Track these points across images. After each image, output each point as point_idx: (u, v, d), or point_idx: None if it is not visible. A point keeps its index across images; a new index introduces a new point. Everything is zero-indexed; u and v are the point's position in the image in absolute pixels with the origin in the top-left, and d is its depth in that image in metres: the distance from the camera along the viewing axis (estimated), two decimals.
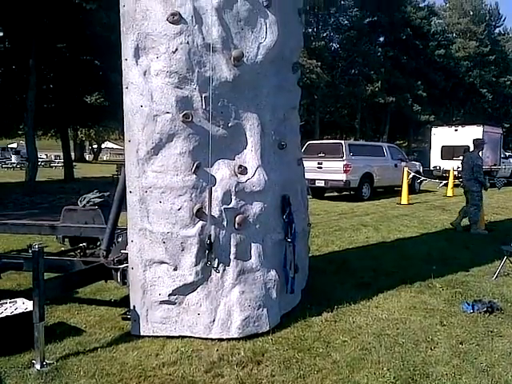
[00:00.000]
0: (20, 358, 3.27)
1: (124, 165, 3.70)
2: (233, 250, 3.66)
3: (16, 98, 18.66)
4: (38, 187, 16.34)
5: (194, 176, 3.61)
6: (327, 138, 38.95)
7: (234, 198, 3.70)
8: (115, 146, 64.24)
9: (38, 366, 3.11)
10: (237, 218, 3.68)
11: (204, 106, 3.64)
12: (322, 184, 14.11)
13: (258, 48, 3.82)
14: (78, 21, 15.68)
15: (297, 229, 4.17)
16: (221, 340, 3.57)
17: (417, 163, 18.65)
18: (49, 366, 3.14)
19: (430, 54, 38.03)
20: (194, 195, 3.60)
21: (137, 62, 3.63)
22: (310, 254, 5.36)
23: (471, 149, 9.19)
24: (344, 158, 13.78)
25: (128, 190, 3.65)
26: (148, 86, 3.60)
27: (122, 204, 3.93)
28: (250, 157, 3.85)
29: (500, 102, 45.41)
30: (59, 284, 3.76)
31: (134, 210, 3.64)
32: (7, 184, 19.48)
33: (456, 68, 40.18)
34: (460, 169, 9.40)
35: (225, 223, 3.65)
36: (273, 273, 3.85)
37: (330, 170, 13.91)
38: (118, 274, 3.81)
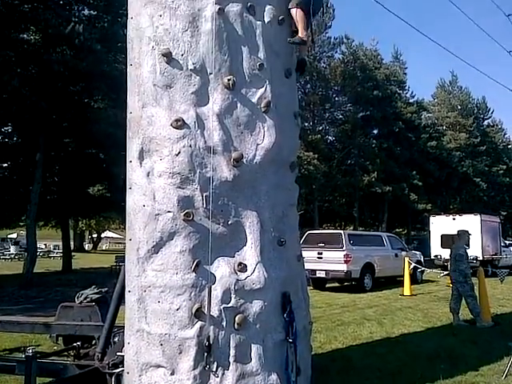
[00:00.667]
0: None
1: (124, 263, 3.71)
2: (232, 352, 3.54)
3: (20, 191, 19.04)
4: (35, 279, 16.12)
5: (194, 274, 3.60)
6: (326, 227, 39.17)
7: (233, 296, 3.65)
8: (115, 235, 64.33)
9: None
10: (236, 318, 3.60)
11: (205, 205, 3.73)
12: (322, 275, 13.93)
13: (257, 149, 4.00)
14: (86, 118, 16.51)
15: (298, 327, 4.06)
16: None
17: (417, 252, 18.57)
18: None
19: (423, 146, 39.45)
20: (193, 294, 3.57)
21: (141, 163, 3.79)
22: (313, 352, 5.15)
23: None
24: (344, 247, 13.76)
25: (127, 290, 3.62)
26: (151, 187, 3.72)
27: (120, 303, 3.87)
28: (249, 254, 3.87)
29: (495, 191, 46.23)
30: None
31: (133, 310, 3.58)
32: (4, 276, 19.23)
33: (449, 158, 41.45)
34: None
35: (224, 323, 3.57)
36: (274, 376, 3.69)
37: (330, 260, 13.83)
38: (113, 379, 3.65)
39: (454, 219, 21.18)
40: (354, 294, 13.32)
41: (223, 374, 3.50)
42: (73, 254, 24.94)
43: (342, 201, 38.82)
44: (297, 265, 4.58)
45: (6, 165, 19.66)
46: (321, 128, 37.21)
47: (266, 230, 4.01)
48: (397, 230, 45.36)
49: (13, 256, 33.16)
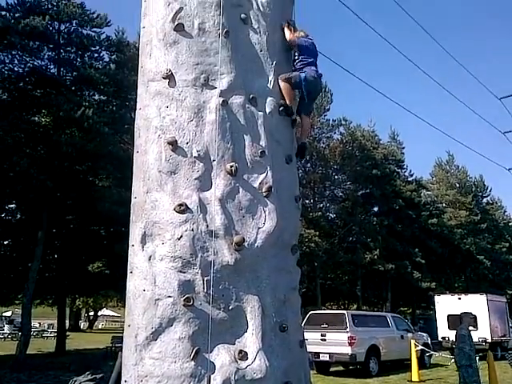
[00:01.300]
0: None
1: (121, 350, 3.62)
2: None
3: (19, 269, 18.85)
4: (28, 362, 15.52)
5: (193, 363, 3.49)
6: (329, 306, 38.18)
7: None
8: (112, 313, 62.51)
9: None
10: None
11: (205, 290, 3.70)
12: (326, 358, 13.41)
13: (258, 233, 4.04)
14: (90, 196, 16.77)
15: None
16: None
17: (424, 334, 17.93)
18: None
19: (424, 223, 39.50)
20: None
21: (143, 247, 3.82)
22: None
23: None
24: (348, 329, 13.35)
25: (123, 379, 3.50)
26: (152, 271, 3.72)
27: None
28: (250, 341, 3.77)
29: (500, 269, 45.60)
30: None
31: None
32: None
33: (450, 235, 41.32)
34: None
35: None
36: None
37: (334, 342, 13.36)
38: None
39: (459, 299, 20.69)
40: (360, 378, 12.73)
41: None
42: (67, 333, 24.09)
43: (344, 278, 38.21)
44: (299, 351, 4.44)
45: (6, 242, 19.63)
46: (321, 205, 37.54)
47: (268, 315, 3.95)
48: (401, 308, 44.18)
49: (6, 335, 32.06)
